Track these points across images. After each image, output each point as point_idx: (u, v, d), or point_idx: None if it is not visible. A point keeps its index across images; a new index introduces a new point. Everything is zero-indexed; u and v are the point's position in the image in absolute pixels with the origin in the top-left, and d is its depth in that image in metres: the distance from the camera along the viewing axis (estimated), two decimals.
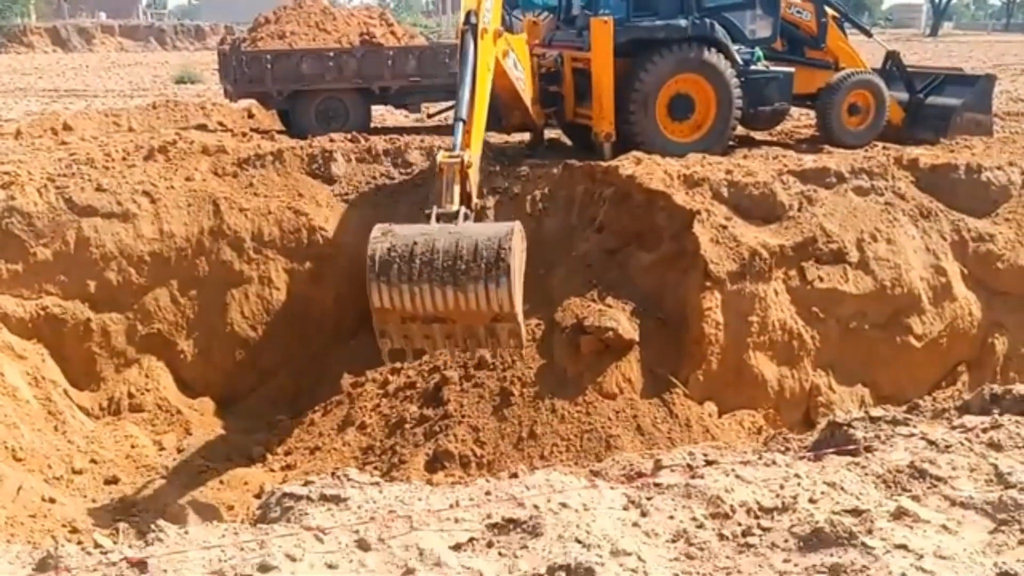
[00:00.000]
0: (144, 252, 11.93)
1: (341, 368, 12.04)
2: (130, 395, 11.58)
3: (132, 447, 10.85)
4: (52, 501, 9.20)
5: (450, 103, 17.00)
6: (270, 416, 11.94)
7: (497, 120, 12.00)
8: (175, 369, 12.05)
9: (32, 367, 10.99)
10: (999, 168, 12.23)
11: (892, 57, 15.38)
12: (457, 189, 7.70)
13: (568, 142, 14.18)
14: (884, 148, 13.58)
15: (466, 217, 7.55)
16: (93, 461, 10.35)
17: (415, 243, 7.21)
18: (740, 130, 13.83)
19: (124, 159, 12.96)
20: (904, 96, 14.96)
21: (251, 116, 18.49)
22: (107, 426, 11.21)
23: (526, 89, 11.64)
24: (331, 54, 16.03)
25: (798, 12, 14.13)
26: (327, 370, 12.25)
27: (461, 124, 8.39)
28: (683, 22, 12.36)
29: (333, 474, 5.15)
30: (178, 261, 12.08)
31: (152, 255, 11.96)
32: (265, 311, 12.35)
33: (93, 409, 11.42)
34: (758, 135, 15.18)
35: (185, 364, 12.09)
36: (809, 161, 12.18)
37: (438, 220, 7.50)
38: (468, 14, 9.19)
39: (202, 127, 16.64)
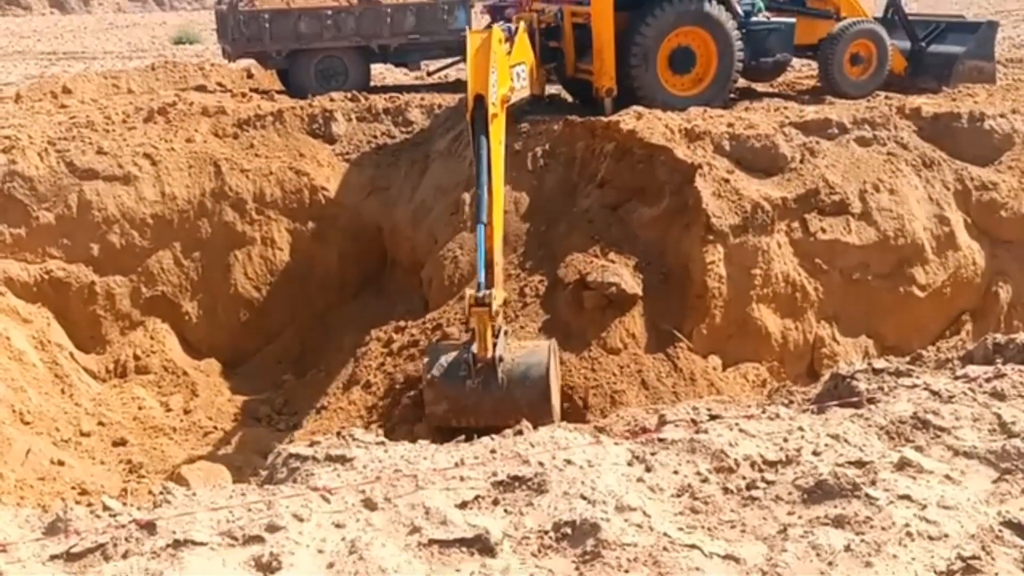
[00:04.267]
0: (146, 214, 11.94)
1: (345, 327, 12.09)
2: (136, 357, 11.64)
3: (139, 409, 10.92)
4: (61, 463, 9.28)
5: (449, 60, 17.00)
6: (275, 376, 12.00)
7: None
8: (180, 331, 12.11)
9: (38, 331, 11.03)
10: (1002, 116, 12.14)
11: (894, 5, 15.22)
12: (489, 335, 8.16)
13: (568, 98, 14.09)
14: (886, 98, 13.49)
15: (500, 360, 8.21)
16: (100, 423, 10.42)
17: (465, 405, 8.25)
18: (741, 82, 13.74)
19: (124, 121, 12.95)
20: (906, 45, 14.83)
21: (250, 76, 18.38)
22: (114, 388, 11.27)
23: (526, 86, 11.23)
24: (329, 12, 15.89)
25: None
26: (332, 329, 12.30)
27: (483, 228, 8.39)
28: None
29: (339, 434, 5.18)
30: (180, 223, 12.09)
31: (154, 217, 11.97)
32: (269, 272, 12.38)
33: (99, 372, 11.49)
34: (759, 87, 15.07)
35: (190, 326, 12.14)
36: (811, 112, 12.10)
37: (475, 363, 8.17)
38: (478, 98, 8.63)
39: (201, 88, 16.54)
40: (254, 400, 11.47)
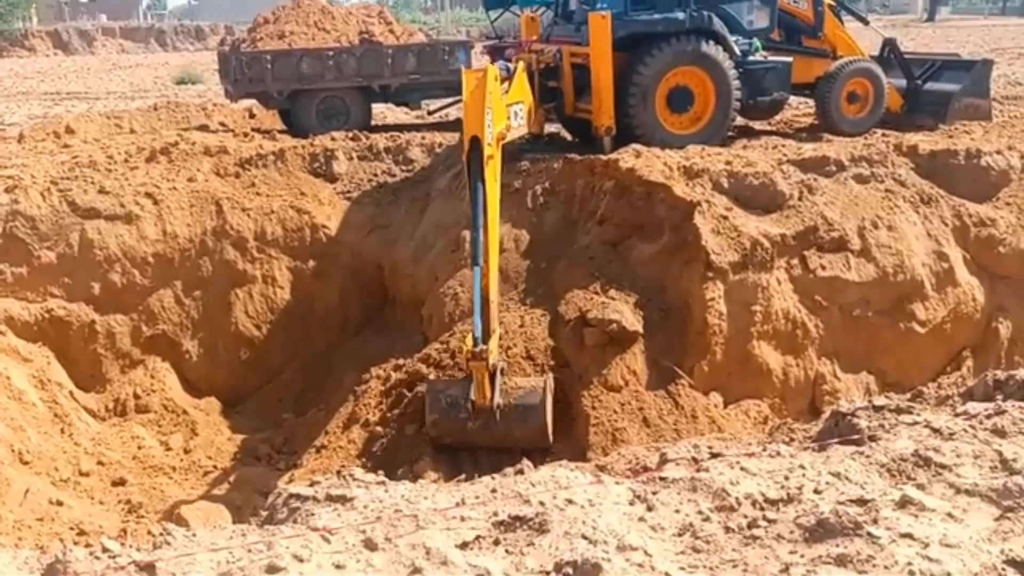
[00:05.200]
0: (148, 253, 11.96)
1: (346, 365, 12.07)
2: (136, 396, 11.61)
3: (139, 448, 10.88)
4: (59, 503, 9.24)
5: (450, 100, 17.09)
6: (276, 415, 11.98)
7: None
8: (180, 369, 12.09)
9: (38, 370, 11.02)
10: (998, 152, 12.21)
11: (889, 44, 15.38)
12: (487, 384, 8.72)
13: (568, 136, 14.17)
14: (883, 135, 13.57)
15: (499, 407, 8.88)
16: (100, 463, 10.38)
17: (468, 442, 9.10)
18: (739, 120, 13.82)
19: (126, 161, 13.02)
20: (902, 83, 14.95)
21: (252, 116, 18.52)
22: (113, 427, 11.24)
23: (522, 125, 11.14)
24: (331, 53, 16.06)
25: (795, 1, 14.08)
26: (332, 368, 12.29)
27: (479, 270, 8.64)
28: (681, 15, 12.32)
29: (339, 474, 5.17)
30: (182, 262, 12.12)
31: (156, 256, 12.00)
32: (269, 310, 12.39)
33: (99, 411, 11.46)
34: (757, 125, 15.16)
35: (190, 364, 12.12)
36: (808, 150, 12.17)
37: (474, 408, 8.84)
38: (473, 140, 8.66)
39: (203, 128, 16.67)
40: (254, 439, 11.43)
